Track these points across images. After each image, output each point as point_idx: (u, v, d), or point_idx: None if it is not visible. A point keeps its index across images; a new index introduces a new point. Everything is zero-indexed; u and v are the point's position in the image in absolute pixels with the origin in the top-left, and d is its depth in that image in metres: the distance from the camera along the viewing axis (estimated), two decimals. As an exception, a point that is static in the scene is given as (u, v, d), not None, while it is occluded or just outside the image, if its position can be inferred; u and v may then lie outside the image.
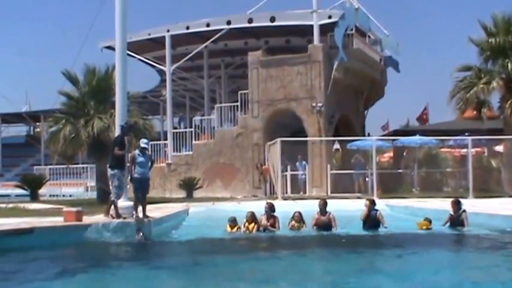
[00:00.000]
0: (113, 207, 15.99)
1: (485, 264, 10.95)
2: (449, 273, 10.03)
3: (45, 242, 12.75)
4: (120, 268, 11.03)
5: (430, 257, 11.80)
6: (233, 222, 15.90)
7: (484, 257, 11.89)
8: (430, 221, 16.14)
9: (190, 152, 34.30)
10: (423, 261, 11.32)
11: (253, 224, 15.81)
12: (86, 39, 26.56)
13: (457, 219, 16.05)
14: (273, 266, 11.09)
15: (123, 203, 16.54)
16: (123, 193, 16.41)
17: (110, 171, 16.21)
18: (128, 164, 17.39)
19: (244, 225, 15.88)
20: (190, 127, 36.58)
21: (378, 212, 16.36)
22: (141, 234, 14.55)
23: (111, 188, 16.22)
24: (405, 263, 11.28)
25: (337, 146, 36.75)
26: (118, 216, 15.77)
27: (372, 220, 16.21)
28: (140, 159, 16.86)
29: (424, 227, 15.93)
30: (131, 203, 16.70)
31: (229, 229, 15.79)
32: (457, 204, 16.09)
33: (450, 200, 16.89)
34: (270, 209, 16.21)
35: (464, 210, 16.02)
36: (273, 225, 15.88)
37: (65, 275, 9.95)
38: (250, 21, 33.44)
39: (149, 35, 36.15)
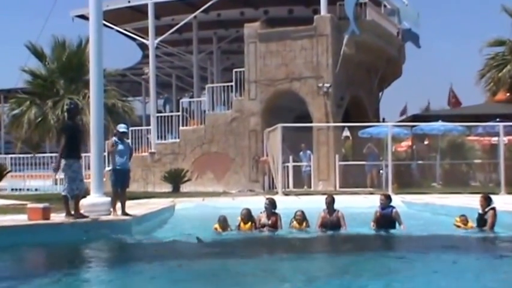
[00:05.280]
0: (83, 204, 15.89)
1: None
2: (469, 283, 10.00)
3: (5, 243, 12.69)
4: (89, 272, 11.04)
5: (447, 263, 11.76)
6: (224, 222, 15.76)
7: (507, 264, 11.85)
8: (466, 219, 16.16)
9: (177, 140, 34.23)
10: (441, 267, 11.28)
11: (249, 224, 15.71)
12: (54, 6, 26.43)
13: (483, 219, 15.96)
14: (271, 271, 11.05)
15: (98, 198, 16.47)
16: (83, 187, 16.08)
17: (63, 161, 15.87)
18: (105, 153, 17.34)
19: (237, 226, 15.77)
20: (177, 110, 36.56)
21: (394, 210, 16.26)
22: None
23: (65, 181, 15.82)
24: (420, 269, 11.24)
25: (347, 133, 36.81)
26: (69, 214, 15.47)
27: (386, 219, 16.14)
28: (120, 147, 16.79)
29: (463, 226, 15.95)
30: (108, 199, 16.64)
31: (219, 229, 15.69)
32: (486, 201, 15.99)
33: (477, 196, 16.82)
34: (271, 205, 16.07)
35: (492, 208, 15.92)
36: (274, 225, 15.76)
37: (25, 280, 9.92)
38: (247, -13, 33.41)
39: (129, 2, 35.97)
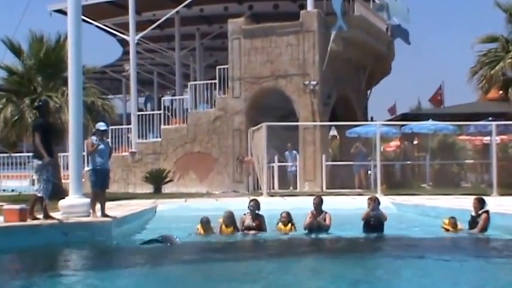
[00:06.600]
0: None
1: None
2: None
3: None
4: (67, 276, 11.04)
5: (438, 266, 11.82)
6: (206, 224, 15.76)
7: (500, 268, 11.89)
8: (455, 222, 16.17)
9: (159, 139, 34.20)
10: (432, 271, 11.34)
11: (231, 228, 15.73)
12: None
13: (476, 222, 16.01)
14: (253, 276, 11.06)
15: (77, 199, 16.43)
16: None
17: (37, 162, 15.78)
18: (84, 153, 17.30)
19: (219, 228, 15.79)
20: (159, 109, 36.51)
21: (380, 213, 16.23)
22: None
23: (40, 182, 15.77)
24: (410, 272, 11.29)
25: (334, 132, 36.88)
26: (47, 216, 15.42)
27: (375, 221, 16.16)
28: (100, 146, 16.76)
29: (452, 229, 15.97)
30: (87, 200, 16.60)
31: (201, 231, 15.69)
32: (480, 203, 16.04)
33: (468, 197, 16.86)
34: (256, 206, 16.10)
35: (486, 211, 15.97)
36: (258, 227, 15.81)
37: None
38: (231, -19, 33.42)
39: (109, -4, 36.01)
